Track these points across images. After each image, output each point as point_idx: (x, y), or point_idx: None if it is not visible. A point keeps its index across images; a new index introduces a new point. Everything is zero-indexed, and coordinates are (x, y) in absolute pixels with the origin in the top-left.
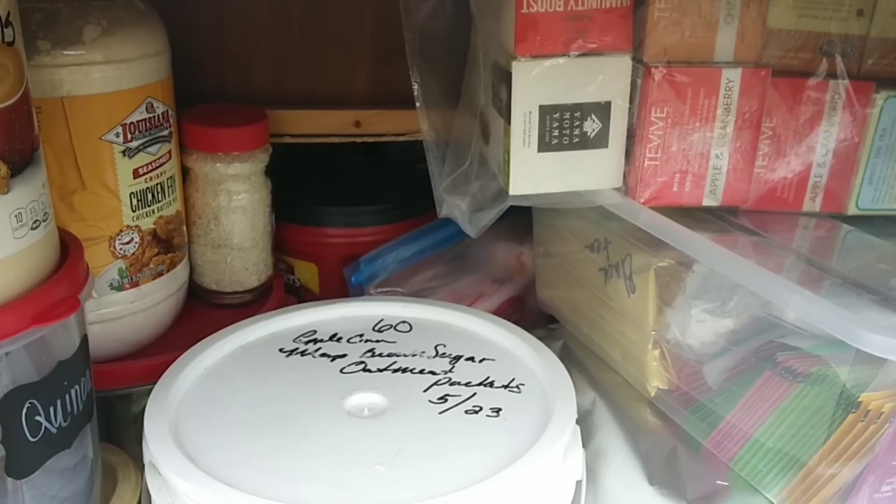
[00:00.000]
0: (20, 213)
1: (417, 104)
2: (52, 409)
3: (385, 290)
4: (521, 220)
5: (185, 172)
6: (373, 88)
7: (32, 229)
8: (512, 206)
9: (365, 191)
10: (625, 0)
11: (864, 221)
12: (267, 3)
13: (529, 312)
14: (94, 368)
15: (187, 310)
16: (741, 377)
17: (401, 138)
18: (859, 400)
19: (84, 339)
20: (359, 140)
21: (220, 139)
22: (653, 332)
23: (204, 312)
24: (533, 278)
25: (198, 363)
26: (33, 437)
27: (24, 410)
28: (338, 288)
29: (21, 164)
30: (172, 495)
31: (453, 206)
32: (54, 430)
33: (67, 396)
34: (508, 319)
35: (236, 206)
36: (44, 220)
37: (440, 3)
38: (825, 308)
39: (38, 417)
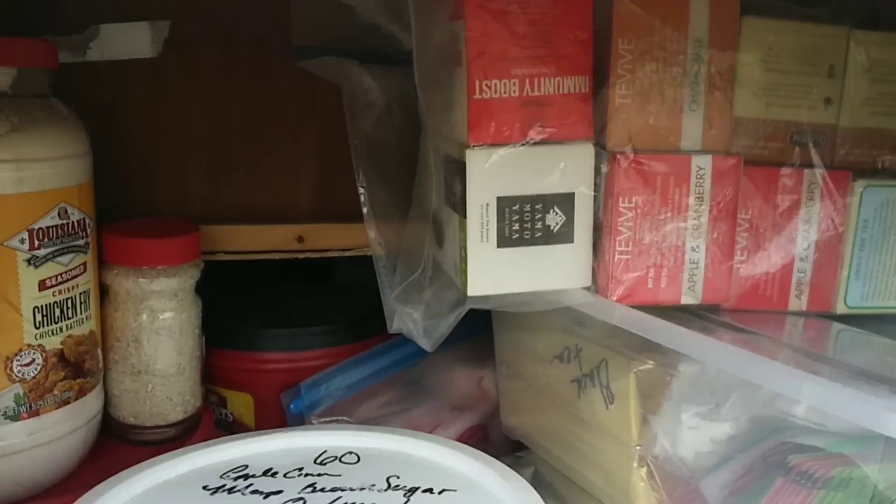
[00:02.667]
0: None
1: (364, 210)
2: None
3: (329, 419)
4: (480, 343)
5: (104, 291)
6: (317, 202)
7: None
8: (471, 329)
9: (307, 311)
10: (583, 85)
11: (855, 321)
12: (202, 113)
13: (494, 443)
14: None
15: (99, 447)
16: (748, 490)
17: (347, 253)
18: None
19: None
20: (301, 256)
21: (143, 251)
22: (637, 448)
23: (119, 450)
24: (496, 406)
25: (104, 502)
26: None
27: None
28: (277, 422)
29: None
30: None
31: (406, 316)
32: None
33: None
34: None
35: (161, 326)
36: None
37: (387, 110)
38: (844, 393)
39: None
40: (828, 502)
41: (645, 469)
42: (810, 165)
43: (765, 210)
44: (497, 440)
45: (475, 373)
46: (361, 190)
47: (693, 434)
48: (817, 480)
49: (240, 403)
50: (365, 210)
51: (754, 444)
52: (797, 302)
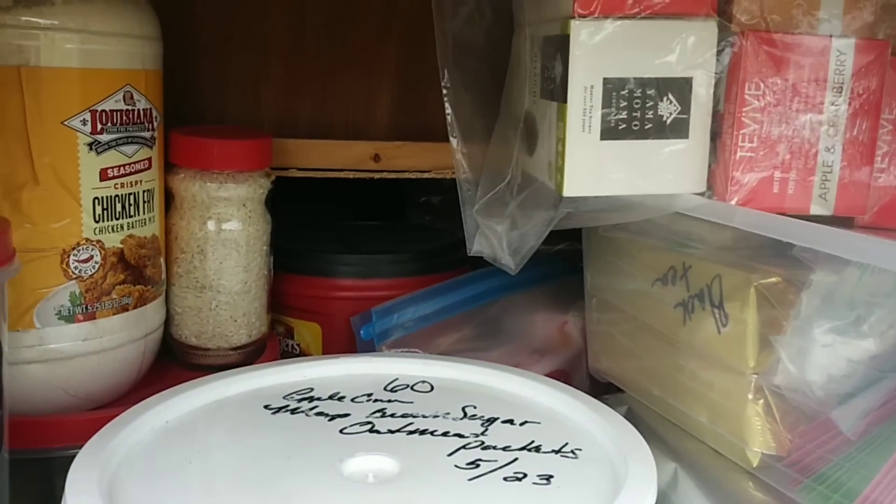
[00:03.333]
0: None
1: (448, 116)
2: None
3: (401, 351)
4: (564, 287)
5: (170, 197)
6: (395, 119)
7: None
8: (555, 271)
9: (379, 241)
10: None
11: None
12: (280, 20)
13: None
14: (31, 422)
15: (158, 369)
16: (889, 423)
17: (425, 175)
18: None
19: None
20: (377, 176)
21: (211, 153)
22: (754, 376)
23: (179, 374)
24: (580, 352)
25: (156, 414)
26: None
27: None
28: (345, 351)
29: None
30: None
31: (489, 231)
32: None
33: None
34: None
35: (227, 237)
36: None
37: (478, 7)
38: None
39: None
40: None
41: (762, 401)
42: None
43: None
44: (580, 388)
45: (558, 316)
46: (445, 92)
47: (827, 353)
48: None
49: (307, 333)
50: (449, 116)
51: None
52: None
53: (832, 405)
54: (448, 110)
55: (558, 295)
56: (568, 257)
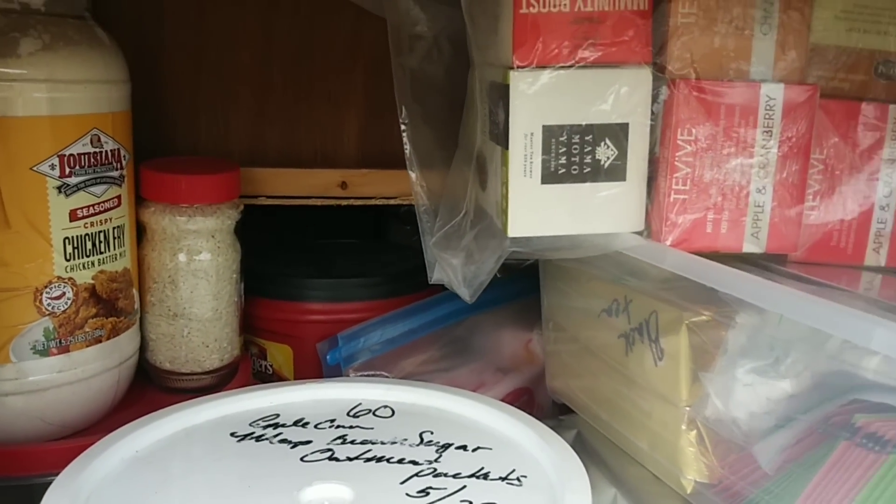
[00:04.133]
0: None
1: (406, 150)
2: None
3: (367, 374)
4: (529, 305)
5: (141, 230)
6: (362, 147)
7: None
8: (520, 290)
9: (349, 263)
10: (642, 1)
11: None
12: (248, 50)
13: (539, 408)
14: (10, 451)
15: (135, 392)
16: (808, 456)
17: (391, 202)
18: None
19: None
20: (344, 203)
21: (180, 188)
22: (687, 408)
23: (155, 397)
24: (542, 369)
25: (126, 444)
26: None
27: None
28: (316, 376)
29: None
30: None
31: (445, 264)
32: None
33: None
34: None
35: (197, 268)
36: None
37: (435, 44)
38: None
39: None
40: None
41: (695, 432)
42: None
43: (842, 149)
44: (543, 405)
45: (523, 334)
46: (404, 127)
47: (748, 392)
48: (887, 444)
49: (279, 355)
50: (407, 150)
51: (817, 405)
52: (875, 256)
53: (755, 440)
54: (406, 144)
55: (523, 313)
56: (533, 276)
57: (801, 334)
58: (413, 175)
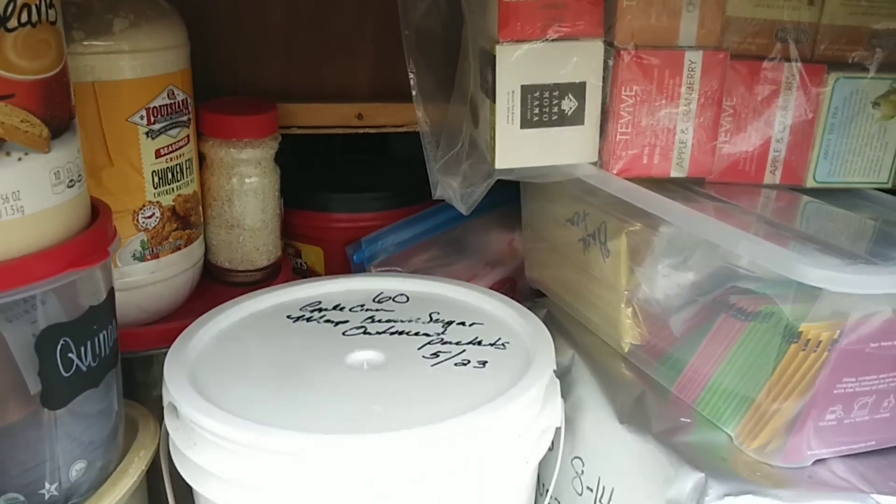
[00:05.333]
0: (58, 171)
1: (413, 94)
2: (82, 349)
3: (385, 269)
4: (511, 210)
5: (202, 158)
6: (375, 84)
7: (68, 187)
8: (504, 198)
9: (368, 179)
10: None
11: (822, 194)
12: (278, 5)
13: (520, 293)
14: (117, 331)
15: (202, 287)
16: (701, 325)
17: (400, 129)
18: (800, 330)
19: (111, 292)
20: (361, 131)
21: (234, 127)
22: (625, 292)
23: (218, 289)
24: (523, 262)
25: (212, 326)
26: (66, 373)
27: (59, 347)
28: (342, 270)
29: (60, 128)
30: (189, 431)
31: (446, 185)
32: (84, 369)
33: (96, 339)
34: None
35: (248, 189)
36: (78, 181)
37: (434, 2)
38: (769, 248)
39: (70, 355)
40: (754, 332)
41: (631, 309)
42: (790, 59)
43: (747, 98)
44: (523, 290)
45: (507, 235)
46: (411, 75)
47: (666, 281)
48: (748, 315)
49: (312, 254)
50: (414, 93)
51: (709, 290)
52: (772, 176)
53: (670, 314)
54: (413, 88)
55: (507, 218)
56: (514, 186)
57: (700, 241)
58: (419, 113)
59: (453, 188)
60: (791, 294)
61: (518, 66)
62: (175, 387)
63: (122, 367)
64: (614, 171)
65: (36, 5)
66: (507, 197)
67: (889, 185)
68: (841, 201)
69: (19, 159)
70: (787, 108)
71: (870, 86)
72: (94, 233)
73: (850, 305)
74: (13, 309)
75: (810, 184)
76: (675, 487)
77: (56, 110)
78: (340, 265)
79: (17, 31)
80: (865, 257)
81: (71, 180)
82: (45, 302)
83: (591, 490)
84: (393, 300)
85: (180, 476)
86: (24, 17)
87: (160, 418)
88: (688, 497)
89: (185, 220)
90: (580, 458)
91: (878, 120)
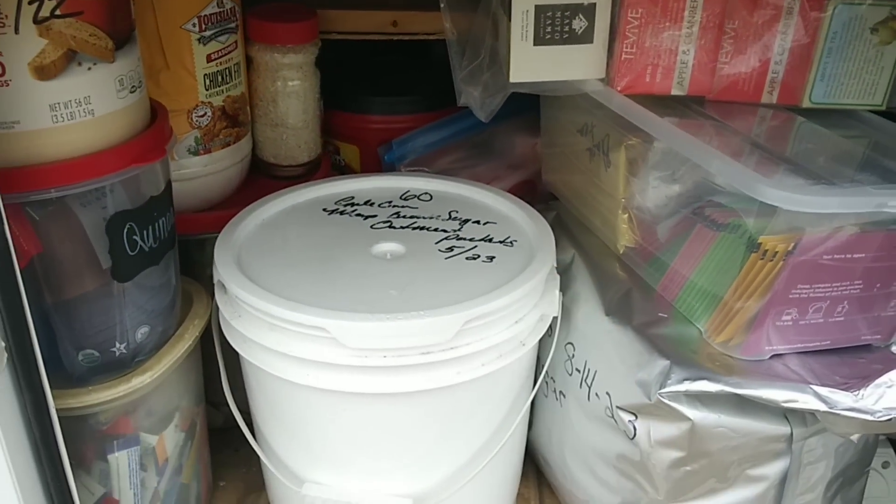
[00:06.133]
0: (122, 78)
1: (442, 5)
2: (145, 232)
3: (413, 168)
4: (535, 116)
5: (249, 61)
6: None
7: (131, 92)
8: (528, 103)
9: (402, 83)
10: None
11: (818, 114)
12: None
13: (539, 195)
14: (175, 217)
15: (250, 178)
16: (683, 232)
17: (431, 37)
18: (759, 242)
19: (169, 183)
20: (395, 38)
21: (278, 33)
22: (622, 200)
23: (263, 182)
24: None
25: (257, 215)
26: (132, 252)
27: (125, 230)
28: (376, 167)
29: (122, 40)
30: (235, 306)
31: (468, 94)
32: (147, 249)
33: (157, 224)
34: (521, 199)
35: (290, 91)
36: (139, 87)
37: None
38: (736, 169)
39: (135, 237)
40: (724, 241)
41: (626, 215)
42: None
43: (749, 22)
44: (542, 193)
45: (530, 140)
46: None
47: (656, 192)
48: (719, 226)
49: (349, 152)
50: (442, 5)
51: (691, 202)
52: (769, 96)
53: (658, 221)
54: (444, 5)
55: (530, 123)
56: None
57: (686, 158)
58: (447, 24)
59: (475, 97)
60: (754, 209)
61: None
62: (224, 267)
63: (179, 248)
64: (618, 88)
65: None
66: (532, 104)
67: (883, 108)
68: (835, 122)
69: (89, 69)
70: (787, 32)
71: (869, 12)
72: (153, 133)
73: (806, 222)
74: (86, 197)
75: (806, 104)
76: (645, 371)
77: (119, 24)
78: (374, 162)
79: None
80: (828, 179)
81: (133, 86)
82: (112, 191)
83: (579, 371)
84: (418, 198)
85: (227, 342)
86: None
87: (212, 293)
88: (654, 380)
89: (234, 119)
90: (572, 344)
91: (876, 45)
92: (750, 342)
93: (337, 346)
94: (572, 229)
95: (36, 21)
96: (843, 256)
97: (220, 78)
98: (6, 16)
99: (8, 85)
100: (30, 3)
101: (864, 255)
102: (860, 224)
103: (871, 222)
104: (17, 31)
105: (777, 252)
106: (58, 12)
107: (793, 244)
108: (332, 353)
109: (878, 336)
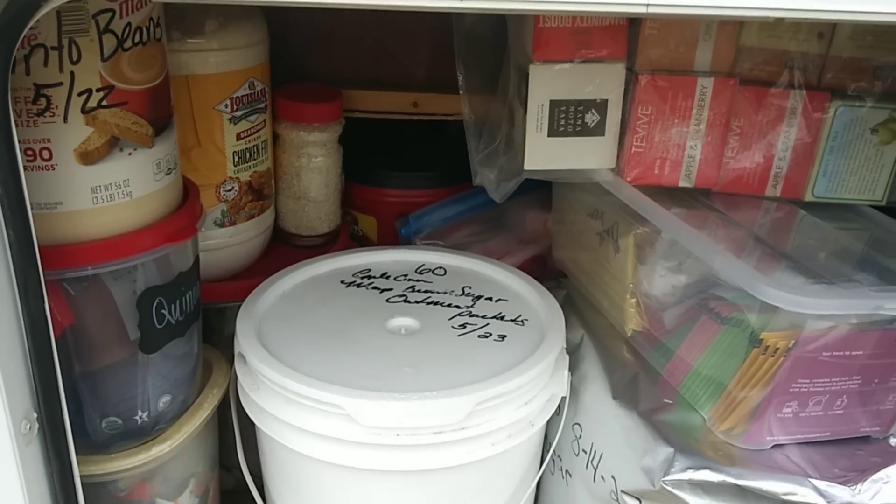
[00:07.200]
0: (159, 162)
1: (461, 91)
2: (173, 306)
3: (429, 242)
4: (547, 192)
5: (276, 137)
6: (430, 75)
7: (166, 175)
8: (541, 182)
9: (420, 158)
10: (621, 19)
11: (820, 208)
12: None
13: (549, 270)
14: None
15: (272, 247)
16: (688, 321)
17: (450, 118)
18: (761, 338)
19: (197, 259)
20: (415, 118)
21: (305, 113)
22: (630, 285)
23: (284, 251)
24: None
25: (277, 287)
26: (159, 325)
27: (154, 305)
28: (392, 238)
29: (161, 127)
30: (254, 378)
31: (484, 176)
32: (173, 322)
33: (184, 298)
34: (531, 275)
35: (314, 166)
36: (174, 169)
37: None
38: (739, 267)
39: (163, 311)
40: (728, 333)
41: (634, 300)
42: (795, 87)
43: (754, 120)
44: (552, 268)
45: (542, 216)
46: (460, 76)
47: (663, 280)
48: (723, 319)
49: (367, 223)
50: (461, 91)
51: (696, 293)
52: (773, 190)
53: (665, 308)
54: (461, 88)
55: (542, 200)
56: None
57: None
58: (465, 108)
59: (490, 180)
60: (757, 305)
61: (548, 83)
62: (244, 339)
63: (202, 315)
64: (628, 179)
65: (146, 27)
66: (543, 182)
67: (883, 203)
68: (837, 215)
69: (129, 154)
70: (791, 131)
71: (869, 114)
72: (185, 213)
73: (806, 320)
74: (120, 273)
75: (809, 198)
76: (650, 457)
77: (159, 112)
78: (391, 233)
79: (131, 50)
80: (827, 278)
81: (169, 168)
82: (144, 267)
83: (586, 452)
84: (433, 272)
85: (244, 410)
86: (137, 38)
87: (230, 360)
88: (658, 467)
89: (259, 193)
90: (579, 425)
91: (876, 144)
92: (752, 432)
93: (351, 422)
94: (582, 309)
95: (84, 111)
96: (841, 353)
97: (248, 154)
98: (56, 106)
99: (54, 169)
100: (79, 95)
101: (861, 352)
102: (858, 323)
103: (868, 322)
104: (65, 120)
105: (778, 348)
106: (104, 103)
107: (793, 341)
108: (347, 429)
109: (877, 428)
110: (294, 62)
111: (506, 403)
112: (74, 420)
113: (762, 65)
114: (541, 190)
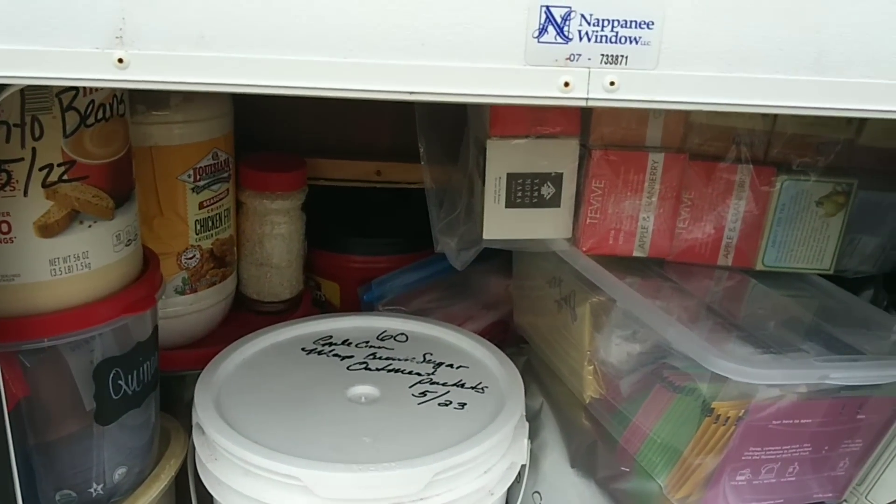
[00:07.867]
0: (119, 234)
1: (422, 162)
2: (129, 377)
3: (391, 308)
4: (509, 258)
5: (239, 205)
6: (393, 144)
7: (126, 245)
8: (500, 249)
9: (382, 226)
10: None
11: (770, 277)
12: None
13: (511, 334)
14: (161, 354)
15: (233, 314)
16: (643, 389)
17: (413, 186)
18: (713, 407)
19: (156, 328)
20: (378, 185)
21: (268, 181)
22: (588, 353)
23: (246, 317)
24: None
25: (237, 355)
26: (115, 396)
27: (111, 376)
28: (355, 304)
29: (122, 199)
30: (212, 449)
31: (445, 244)
32: (130, 392)
33: (141, 368)
34: (493, 340)
35: (277, 233)
36: (134, 240)
37: None
38: (690, 338)
39: (119, 381)
40: (681, 402)
41: (592, 367)
42: (742, 161)
43: (704, 193)
44: (514, 333)
45: (503, 281)
46: (421, 148)
47: (619, 348)
48: (676, 388)
49: (330, 289)
50: (422, 161)
51: (650, 362)
52: (725, 259)
53: (621, 376)
54: (423, 160)
55: (504, 265)
56: None
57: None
58: (426, 179)
59: (451, 247)
60: (708, 375)
61: (505, 157)
62: (202, 410)
63: (160, 383)
64: (584, 249)
65: (110, 103)
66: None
67: (831, 272)
68: (786, 283)
69: (89, 226)
70: (740, 203)
71: (814, 187)
72: (144, 283)
73: (756, 389)
74: (77, 343)
75: (759, 267)
76: None
77: (120, 185)
78: (354, 299)
79: (93, 126)
80: (776, 348)
81: (129, 239)
82: (102, 337)
83: None
84: (394, 339)
85: (203, 483)
86: (100, 115)
87: (188, 428)
88: None
89: (221, 260)
90: (539, 493)
91: (822, 216)
92: (707, 500)
93: (309, 494)
94: (542, 375)
95: (44, 185)
96: (791, 422)
97: (210, 223)
98: (17, 181)
99: (12, 241)
100: (40, 170)
101: (811, 420)
102: (807, 392)
103: (816, 391)
104: (25, 194)
105: (729, 417)
106: (65, 177)
107: (744, 410)
108: (305, 501)
109: (830, 494)
110: (260, 131)
111: (465, 473)
112: (27, 493)
113: (711, 140)
114: (503, 256)
